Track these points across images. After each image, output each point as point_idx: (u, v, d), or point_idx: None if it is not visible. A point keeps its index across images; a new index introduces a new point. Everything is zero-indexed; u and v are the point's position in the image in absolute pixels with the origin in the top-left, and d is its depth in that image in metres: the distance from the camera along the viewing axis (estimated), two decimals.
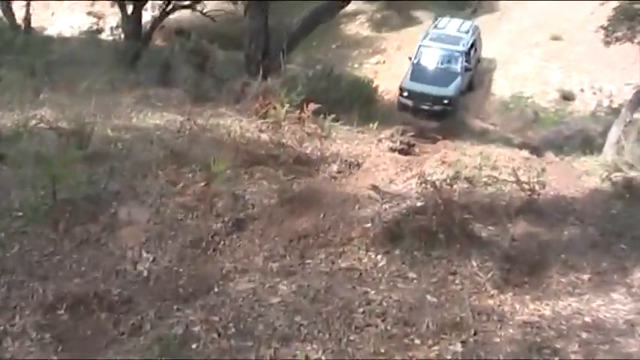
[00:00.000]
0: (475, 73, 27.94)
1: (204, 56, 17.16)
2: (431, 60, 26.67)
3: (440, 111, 24.27)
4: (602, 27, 19.60)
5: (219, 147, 10.65)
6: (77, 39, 31.53)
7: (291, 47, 20.40)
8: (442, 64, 26.46)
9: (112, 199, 8.67)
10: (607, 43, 19.58)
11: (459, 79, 25.57)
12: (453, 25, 28.36)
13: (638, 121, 23.37)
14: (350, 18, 36.77)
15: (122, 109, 12.70)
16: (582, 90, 29.96)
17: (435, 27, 28.39)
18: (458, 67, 26.17)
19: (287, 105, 12.53)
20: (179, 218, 8.45)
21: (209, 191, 8.76)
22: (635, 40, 18.98)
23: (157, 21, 31.56)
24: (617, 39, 19.09)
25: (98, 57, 20.61)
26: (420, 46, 27.00)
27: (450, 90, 25.05)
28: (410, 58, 26.71)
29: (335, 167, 10.75)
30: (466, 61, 26.47)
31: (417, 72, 25.90)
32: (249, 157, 10.36)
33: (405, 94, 24.69)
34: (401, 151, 12.80)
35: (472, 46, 27.39)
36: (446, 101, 24.58)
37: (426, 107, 24.15)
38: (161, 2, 31.52)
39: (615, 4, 19.31)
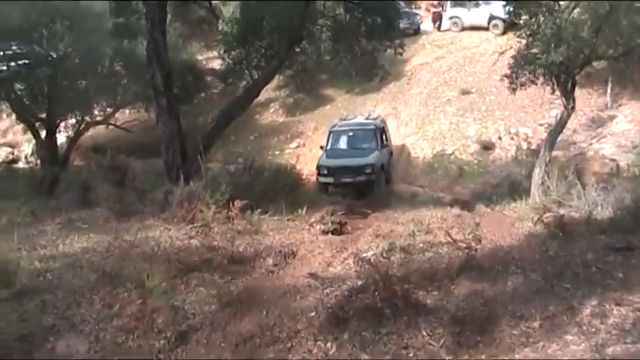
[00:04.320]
0: (391, 167, 27.54)
1: (122, 171, 17.00)
2: (346, 140, 26.56)
3: (364, 182, 23.67)
4: (505, 75, 20.28)
5: (151, 260, 10.42)
6: None
7: (208, 147, 20.34)
8: (357, 142, 26.24)
9: (48, 334, 8.29)
10: (513, 90, 20.32)
11: (377, 152, 25.27)
12: (360, 118, 28.58)
13: (558, 159, 24.11)
14: (264, 107, 37.26)
15: (47, 238, 12.29)
16: (500, 138, 30.82)
17: (343, 120, 28.63)
18: (374, 143, 25.91)
19: (213, 206, 12.49)
20: (120, 342, 8.15)
21: (147, 308, 8.52)
22: (539, 82, 19.63)
23: (72, 142, 31.45)
24: (522, 84, 19.80)
25: (16, 188, 20.20)
26: (330, 132, 27.03)
27: (371, 159, 24.67)
28: (322, 147, 26.67)
29: (270, 261, 10.64)
30: (381, 139, 26.25)
31: (334, 151, 25.87)
32: (183, 265, 10.15)
33: (325, 171, 24.42)
34: (334, 232, 12.79)
35: (383, 130, 27.34)
36: (368, 170, 24.04)
37: (348, 180, 23.62)
38: (74, 122, 31.43)
39: (514, 52, 20.03)
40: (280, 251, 11.06)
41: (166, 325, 8.35)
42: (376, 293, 8.19)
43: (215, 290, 9.29)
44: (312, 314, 8.29)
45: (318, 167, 24.98)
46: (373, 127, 26.81)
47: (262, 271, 10.37)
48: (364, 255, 9.78)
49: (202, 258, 10.49)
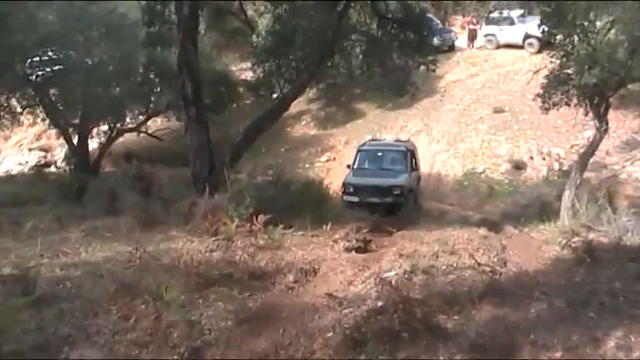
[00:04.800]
0: (419, 193, 26.32)
1: (148, 180, 17.06)
2: (375, 160, 25.21)
3: (390, 204, 22.44)
4: (538, 95, 20.07)
5: (171, 273, 10.37)
6: (23, 176, 31.38)
7: (235, 159, 20.31)
8: (387, 163, 24.99)
9: (63, 344, 8.22)
10: (545, 110, 20.13)
11: (406, 175, 24.11)
12: (389, 139, 27.66)
13: (590, 181, 23.80)
14: (295, 119, 37.29)
15: (70, 245, 12.31)
16: (532, 157, 30.59)
17: (372, 140, 27.52)
18: (404, 166, 24.72)
19: (237, 219, 12.44)
20: (133, 355, 8.07)
21: (162, 322, 8.45)
22: (572, 103, 19.40)
23: (103, 148, 31.72)
24: (555, 104, 19.58)
25: (44, 193, 20.39)
26: (359, 151, 25.71)
27: (400, 180, 23.52)
28: (349, 166, 25.33)
29: (291, 277, 10.52)
30: (411, 162, 25.19)
31: (361, 170, 24.54)
32: (202, 279, 10.08)
33: (350, 189, 23.09)
34: (358, 250, 12.61)
35: (413, 154, 26.15)
36: (397, 192, 22.92)
37: (375, 201, 22.35)
38: (106, 129, 31.71)
39: (547, 72, 19.83)
40: (302, 268, 10.93)
41: (181, 339, 8.26)
42: (395, 316, 8.04)
43: (233, 306, 9.20)
44: (329, 335, 8.15)
45: (344, 185, 23.68)
46: (404, 149, 25.85)
47: (282, 288, 10.26)
48: (385, 275, 9.66)
49: (222, 272, 10.42)
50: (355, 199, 22.76)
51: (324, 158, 33.94)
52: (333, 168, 31.95)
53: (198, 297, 9.58)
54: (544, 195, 25.64)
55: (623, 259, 10.92)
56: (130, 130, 33.54)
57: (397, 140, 27.42)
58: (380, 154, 25.53)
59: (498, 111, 34.49)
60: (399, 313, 8.05)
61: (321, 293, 9.66)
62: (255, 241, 11.92)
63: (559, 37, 19.87)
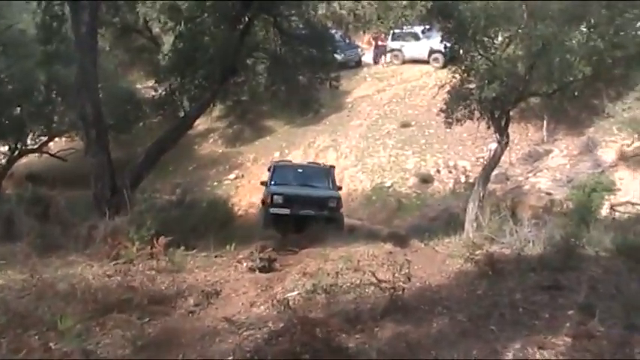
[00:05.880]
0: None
1: (45, 204, 16.54)
2: (296, 176, 23.42)
3: (326, 218, 20.53)
4: (441, 110, 20.41)
5: (68, 300, 10.00)
6: None
7: (137, 180, 19.84)
8: (309, 180, 23.32)
9: None
10: (449, 124, 20.41)
11: (334, 191, 22.76)
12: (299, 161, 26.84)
13: (495, 192, 24.28)
14: (203, 137, 37.14)
15: None
16: (439, 171, 31.26)
17: (281, 161, 26.75)
18: (328, 183, 23.31)
19: (137, 242, 12.16)
20: None
21: (54, 353, 8.11)
22: (474, 118, 19.76)
23: (4, 170, 30.75)
24: (458, 120, 19.86)
25: None
26: (275, 167, 23.84)
27: (335, 192, 22.30)
28: (263, 183, 23.45)
29: (191, 301, 10.28)
30: (333, 181, 23.66)
31: (285, 184, 22.66)
32: (100, 305, 9.75)
33: (279, 201, 21.02)
34: (262, 270, 12.42)
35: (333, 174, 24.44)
36: (332, 204, 21.43)
37: (309, 213, 20.60)
38: (6, 150, 30.83)
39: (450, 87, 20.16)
40: (203, 290, 10.68)
41: None
42: (294, 337, 7.94)
43: (131, 332, 8.91)
44: (229, 359, 8.00)
45: (270, 195, 21.38)
46: (324, 166, 25.23)
47: (182, 312, 9.99)
48: (286, 296, 9.56)
49: (121, 297, 10.07)
50: (285, 211, 20.80)
51: (232, 176, 33.91)
52: (242, 186, 31.91)
53: (96, 325, 9.22)
54: (451, 207, 26.04)
55: (524, 270, 11.05)
56: (32, 151, 32.65)
57: (310, 162, 26.94)
58: (301, 170, 24.29)
59: (405, 125, 35.08)
60: (298, 335, 7.95)
61: (222, 316, 9.51)
62: (157, 264, 11.65)
63: (461, 52, 20.25)
